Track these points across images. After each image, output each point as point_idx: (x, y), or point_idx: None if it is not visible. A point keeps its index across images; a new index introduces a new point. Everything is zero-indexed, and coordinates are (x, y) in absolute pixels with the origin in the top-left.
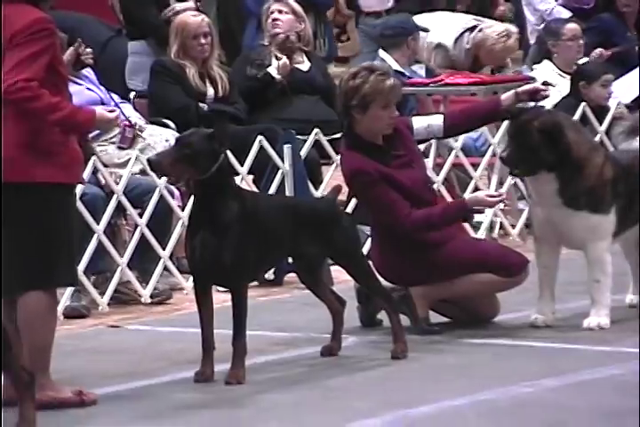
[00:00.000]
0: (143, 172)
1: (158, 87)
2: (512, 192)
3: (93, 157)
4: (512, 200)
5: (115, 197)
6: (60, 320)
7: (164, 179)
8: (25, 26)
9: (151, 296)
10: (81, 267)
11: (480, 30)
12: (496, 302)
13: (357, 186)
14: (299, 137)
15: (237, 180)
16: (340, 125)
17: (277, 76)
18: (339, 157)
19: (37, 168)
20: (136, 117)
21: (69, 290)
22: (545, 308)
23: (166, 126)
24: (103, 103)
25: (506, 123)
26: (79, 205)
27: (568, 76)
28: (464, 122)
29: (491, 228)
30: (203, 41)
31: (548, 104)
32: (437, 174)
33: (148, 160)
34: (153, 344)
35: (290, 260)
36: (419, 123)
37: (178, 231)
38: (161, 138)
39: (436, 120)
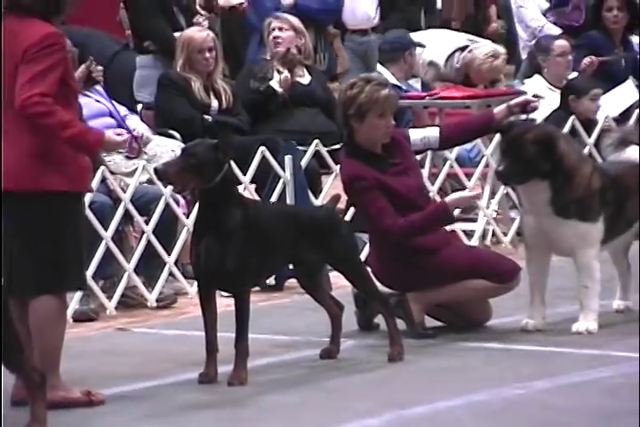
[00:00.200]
0: (150, 181)
1: (165, 99)
2: (504, 201)
3: (102, 167)
4: (504, 209)
5: (122, 204)
6: (70, 323)
7: (170, 187)
8: (37, 40)
9: (157, 300)
10: (89, 272)
11: (470, 51)
12: (489, 307)
13: (353, 191)
14: (299, 148)
15: (240, 188)
16: (340, 136)
17: (279, 90)
18: (338, 166)
19: (48, 177)
20: (143, 128)
21: (78, 294)
22: (536, 313)
23: (172, 137)
24: (112, 115)
25: (498, 135)
26: (88, 212)
27: (558, 90)
28: (459, 135)
29: (483, 236)
30: (207, 55)
31: (538, 117)
32: (432, 184)
33: (155, 169)
34: (158, 347)
35: (290, 266)
36: (415, 135)
37: (183, 238)
38: (167, 148)
39: (433, 132)
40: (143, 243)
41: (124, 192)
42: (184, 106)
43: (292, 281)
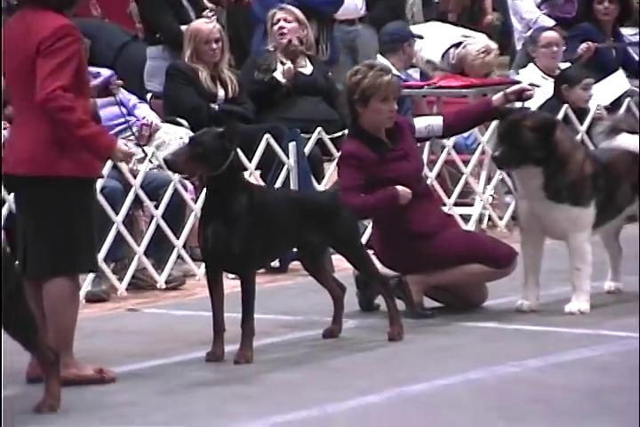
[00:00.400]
0: (159, 167)
1: (173, 89)
2: (499, 187)
3: None
4: (499, 194)
5: (132, 190)
6: (82, 304)
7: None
8: (52, 33)
9: (166, 282)
10: (101, 255)
11: (464, 46)
12: (485, 289)
13: (340, 164)
14: (303, 135)
15: (246, 174)
16: (341, 124)
17: (282, 80)
18: (340, 153)
19: (61, 164)
20: (152, 117)
21: (90, 276)
22: (530, 294)
23: (180, 125)
24: (122, 103)
25: (494, 123)
26: (100, 197)
27: (550, 79)
28: (460, 123)
29: (480, 220)
30: (214, 46)
31: (533, 105)
32: (431, 170)
33: (165, 159)
34: (168, 326)
35: (294, 249)
36: (420, 123)
37: (191, 222)
38: (175, 135)
39: (436, 120)
40: (153, 227)
41: (135, 178)
42: (191, 95)
43: (296, 263)
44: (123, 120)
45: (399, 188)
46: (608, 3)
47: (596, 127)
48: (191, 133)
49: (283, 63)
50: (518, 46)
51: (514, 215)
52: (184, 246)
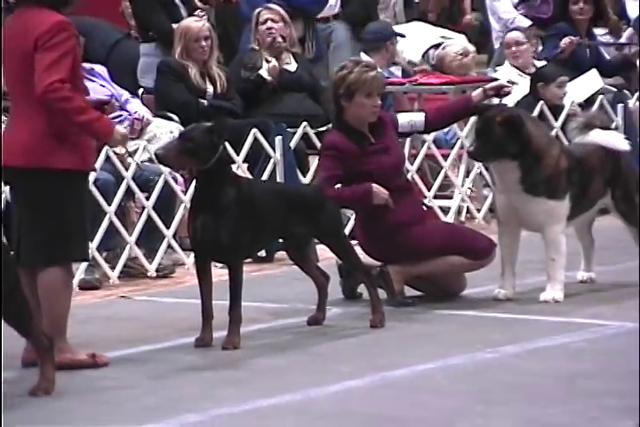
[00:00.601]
0: (150, 160)
1: (164, 85)
2: (477, 180)
3: (105, 147)
4: (478, 187)
5: (124, 182)
6: (76, 291)
7: None
8: (48, 28)
9: (156, 271)
10: (94, 244)
11: (443, 48)
12: (463, 279)
13: (321, 154)
14: (288, 130)
15: (234, 167)
16: (326, 119)
17: (268, 78)
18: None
19: (55, 156)
20: (144, 111)
21: (84, 264)
22: (506, 283)
23: (171, 119)
24: (115, 98)
25: (473, 118)
26: (93, 189)
27: (526, 76)
28: (441, 118)
29: (459, 212)
30: (204, 44)
31: (509, 102)
32: (412, 164)
33: (156, 154)
34: (158, 313)
35: (280, 239)
36: (403, 118)
37: (181, 213)
38: (166, 130)
39: (418, 117)
40: (144, 217)
41: (127, 170)
42: (181, 91)
43: (282, 253)
44: (116, 114)
45: (375, 186)
46: (583, 3)
47: (571, 123)
48: (181, 128)
49: (268, 61)
50: (496, 45)
51: (491, 208)
52: (174, 237)
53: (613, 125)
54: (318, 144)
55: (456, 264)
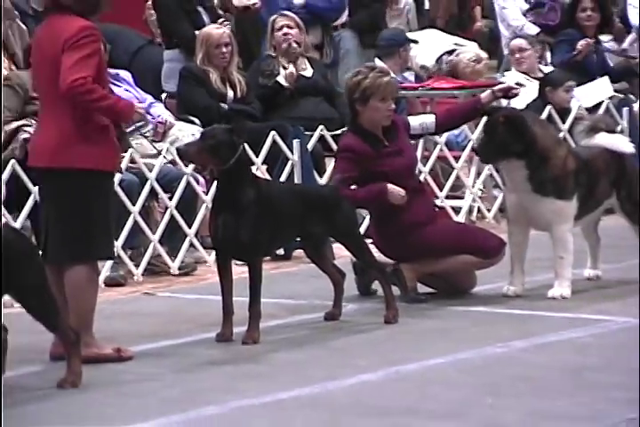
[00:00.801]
0: (173, 161)
1: (186, 89)
2: (488, 181)
3: (131, 150)
4: (488, 188)
5: (148, 183)
6: (101, 288)
7: (191, 167)
8: (76, 31)
9: (179, 268)
10: (119, 243)
11: (457, 55)
12: (474, 276)
13: (338, 156)
14: (306, 133)
15: (253, 169)
16: (341, 122)
17: (285, 84)
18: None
19: (81, 157)
20: (167, 115)
21: (109, 262)
22: (516, 280)
23: (193, 123)
24: (139, 102)
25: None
26: (118, 189)
27: (533, 80)
28: (451, 120)
29: (470, 211)
30: (224, 50)
31: (519, 106)
32: (424, 165)
33: (177, 149)
34: (180, 309)
35: (298, 238)
36: (415, 121)
37: (202, 213)
38: (188, 133)
39: (429, 118)
40: (167, 217)
41: (150, 172)
42: (203, 95)
43: (299, 251)
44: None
45: (390, 185)
46: (591, 11)
47: (577, 126)
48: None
49: (285, 67)
50: (505, 51)
51: (501, 207)
52: (196, 235)
53: (619, 129)
54: (334, 146)
55: (467, 262)
